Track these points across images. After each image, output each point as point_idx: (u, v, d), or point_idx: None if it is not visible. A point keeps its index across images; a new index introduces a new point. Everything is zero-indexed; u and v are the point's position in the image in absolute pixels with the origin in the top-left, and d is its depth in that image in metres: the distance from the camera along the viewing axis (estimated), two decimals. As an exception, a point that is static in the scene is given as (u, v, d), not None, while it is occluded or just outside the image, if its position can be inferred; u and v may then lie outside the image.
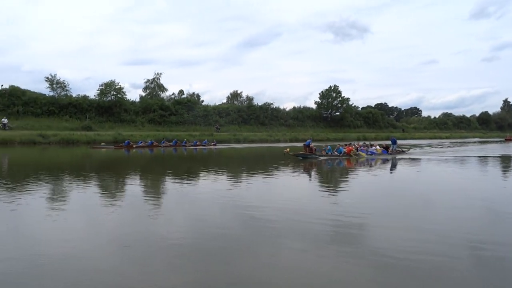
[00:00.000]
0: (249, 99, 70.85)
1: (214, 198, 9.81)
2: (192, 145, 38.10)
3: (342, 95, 73.51)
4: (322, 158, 22.80)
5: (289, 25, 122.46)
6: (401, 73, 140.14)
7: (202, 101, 67.03)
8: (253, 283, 4.43)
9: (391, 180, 15.30)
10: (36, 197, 9.61)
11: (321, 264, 5.03)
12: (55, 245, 5.73)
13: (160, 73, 61.37)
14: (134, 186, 12.36)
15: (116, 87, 51.92)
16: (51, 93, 50.43)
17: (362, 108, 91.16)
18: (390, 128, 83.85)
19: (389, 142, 28.87)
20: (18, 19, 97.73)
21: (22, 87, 49.02)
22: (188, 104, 59.09)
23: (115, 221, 7.40)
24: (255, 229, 6.76)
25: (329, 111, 74.26)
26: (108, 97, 51.65)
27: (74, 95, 51.88)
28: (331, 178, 15.60)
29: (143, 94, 60.93)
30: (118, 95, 52.15)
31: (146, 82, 60.96)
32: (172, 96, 63.77)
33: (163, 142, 37.30)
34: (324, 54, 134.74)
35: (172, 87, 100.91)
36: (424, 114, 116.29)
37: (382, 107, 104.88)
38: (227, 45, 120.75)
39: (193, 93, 68.35)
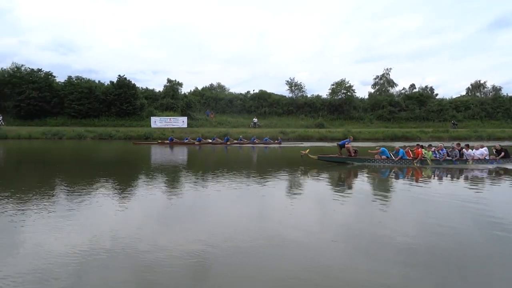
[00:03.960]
0: (496, 89, 59.70)
1: (449, 201, 8.72)
2: (237, 143, 32.75)
3: None
4: (367, 163, 15.80)
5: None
6: None
7: (436, 94, 60.53)
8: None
9: None
10: (276, 185, 10.65)
11: None
12: (286, 229, 6.03)
13: (390, 68, 58.93)
14: (359, 182, 11.98)
15: (346, 85, 52.78)
16: (290, 95, 55.90)
17: None
18: None
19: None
20: (267, 31, 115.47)
21: (268, 91, 56.22)
22: (419, 99, 54.31)
23: (342, 214, 7.30)
24: (499, 239, 5.71)
25: None
26: (339, 95, 53.04)
27: (309, 96, 56.09)
28: None
29: (372, 90, 59.94)
30: (348, 93, 52.86)
31: (375, 79, 59.75)
32: (402, 91, 60.28)
33: (214, 139, 33.04)
34: None
35: (402, 82, 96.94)
36: None
37: None
38: (468, 30, 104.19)
39: (426, 86, 62.69)
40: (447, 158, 15.77)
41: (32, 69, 46.85)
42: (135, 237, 5.41)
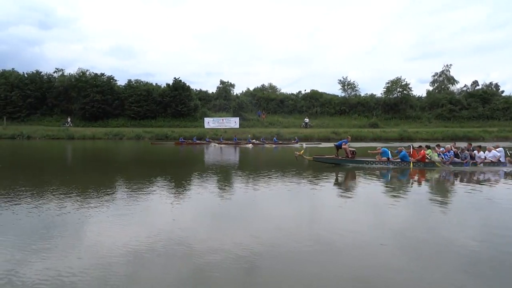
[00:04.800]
0: None
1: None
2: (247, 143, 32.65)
3: None
4: (365, 165, 14.80)
5: None
6: None
7: (502, 91, 56.24)
8: None
9: None
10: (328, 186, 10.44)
11: None
12: (338, 232, 5.83)
13: (450, 65, 56.00)
14: (407, 184, 11.59)
15: (402, 83, 50.73)
16: (343, 94, 54.85)
17: None
18: None
19: None
20: (318, 30, 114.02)
21: (320, 90, 55.58)
22: (483, 96, 50.93)
23: (398, 217, 7.08)
24: None
25: None
26: (394, 94, 51.09)
27: (362, 95, 54.77)
28: None
29: (430, 88, 57.27)
30: (404, 92, 50.74)
31: (433, 76, 57.08)
32: (464, 89, 56.89)
33: (221, 139, 34.03)
34: None
35: (463, 79, 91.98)
36: None
37: None
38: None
39: (490, 83, 58.18)
40: (456, 160, 14.75)
41: (96, 74, 49.79)
42: (186, 237, 5.48)
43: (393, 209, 7.72)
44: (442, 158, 14.78)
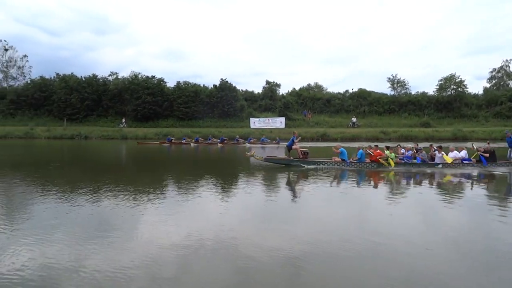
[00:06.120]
0: None
1: None
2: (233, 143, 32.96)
3: None
4: (318, 166, 14.45)
5: None
6: None
7: None
8: None
9: None
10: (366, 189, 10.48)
11: None
12: (387, 234, 5.72)
13: (510, 60, 52.75)
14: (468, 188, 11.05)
15: (457, 80, 48.36)
16: (392, 93, 53.31)
17: None
18: None
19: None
20: (367, 27, 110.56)
21: (368, 89, 54.37)
22: (551, 92, 47.48)
23: (453, 221, 6.83)
24: None
25: None
26: (448, 92, 48.81)
27: (413, 93, 52.80)
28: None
29: (488, 85, 54.21)
30: (458, 89, 48.36)
31: (491, 72, 54.04)
32: (526, 85, 53.39)
33: (210, 139, 33.56)
34: None
35: None
36: None
37: None
38: None
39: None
40: (413, 161, 14.47)
41: (147, 76, 51.66)
42: (234, 236, 5.55)
43: (441, 212, 7.50)
44: (400, 159, 14.51)
